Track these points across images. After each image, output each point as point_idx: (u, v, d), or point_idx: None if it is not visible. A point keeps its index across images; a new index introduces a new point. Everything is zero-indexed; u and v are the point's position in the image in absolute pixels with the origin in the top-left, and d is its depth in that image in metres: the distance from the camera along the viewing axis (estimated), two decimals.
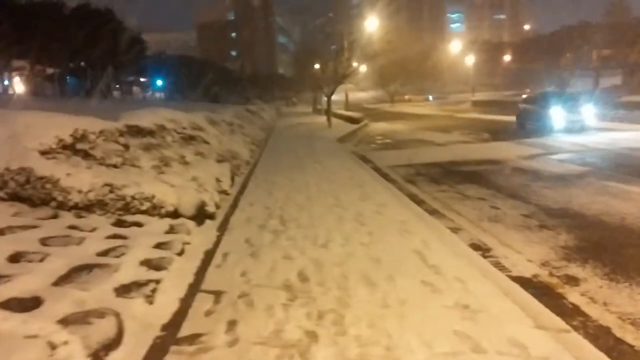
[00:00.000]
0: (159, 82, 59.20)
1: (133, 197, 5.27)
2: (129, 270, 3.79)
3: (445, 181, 9.55)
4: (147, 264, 4.02)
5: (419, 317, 3.37)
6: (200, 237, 5.19)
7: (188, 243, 4.81)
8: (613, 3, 70.41)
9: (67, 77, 39.60)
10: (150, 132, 7.41)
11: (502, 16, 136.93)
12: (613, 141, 13.84)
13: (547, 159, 11.45)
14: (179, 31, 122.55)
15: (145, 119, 7.85)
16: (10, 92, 32.19)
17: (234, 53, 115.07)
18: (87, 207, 5.09)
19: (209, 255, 4.68)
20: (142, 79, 57.55)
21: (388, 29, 45.00)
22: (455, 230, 5.95)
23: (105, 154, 5.84)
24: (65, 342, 2.41)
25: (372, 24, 36.91)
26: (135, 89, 59.29)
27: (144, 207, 5.30)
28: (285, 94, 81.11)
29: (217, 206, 6.55)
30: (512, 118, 26.72)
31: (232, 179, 8.75)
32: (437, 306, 3.55)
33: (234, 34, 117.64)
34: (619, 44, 41.99)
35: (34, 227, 4.41)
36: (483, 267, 4.44)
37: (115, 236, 4.58)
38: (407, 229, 5.61)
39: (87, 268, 3.68)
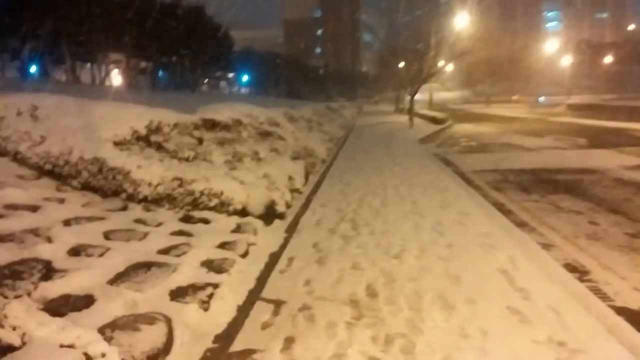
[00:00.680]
0: (245, 78, 60.98)
1: (202, 193, 5.15)
2: (188, 271, 3.60)
3: (536, 190, 8.70)
4: (208, 265, 3.83)
5: (504, 353, 2.87)
6: (267, 238, 4.95)
7: (254, 244, 4.58)
8: None
9: (159, 71, 41.77)
10: (225, 127, 7.33)
11: (604, 15, 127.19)
12: None
13: None
14: (266, 27, 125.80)
15: (222, 113, 7.80)
16: (107, 83, 34.41)
17: (319, 50, 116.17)
18: (156, 201, 5.03)
19: (273, 259, 4.42)
20: (229, 75, 59.49)
21: (478, 27, 42.95)
22: (547, 247, 5.29)
23: (178, 147, 5.78)
24: (103, 355, 2.21)
25: (461, 21, 35.41)
26: (222, 84, 61.49)
27: (212, 204, 5.16)
28: (368, 92, 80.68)
29: (288, 205, 6.31)
30: (613, 124, 24.61)
31: (306, 177, 8.51)
32: (526, 341, 3.02)
33: (319, 31, 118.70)
34: None
35: (101, 219, 4.38)
36: (581, 294, 3.82)
37: (180, 232, 4.45)
38: (491, 243, 5.03)
39: (146, 266, 3.54)
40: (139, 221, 4.56)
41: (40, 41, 15.78)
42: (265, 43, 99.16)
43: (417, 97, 26.77)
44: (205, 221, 4.89)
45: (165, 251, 3.93)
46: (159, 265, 3.59)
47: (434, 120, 27.12)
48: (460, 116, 36.45)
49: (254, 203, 5.36)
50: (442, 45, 30.05)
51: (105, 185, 5.04)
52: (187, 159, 5.69)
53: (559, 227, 6.13)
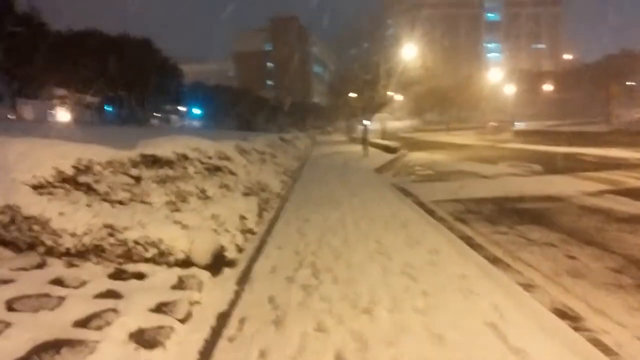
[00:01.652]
0: (197, 111, 60.15)
1: (137, 242, 4.37)
2: (110, 350, 2.83)
3: (501, 221, 8.34)
4: (138, 337, 3.07)
5: None
6: (215, 292, 4.21)
7: (198, 302, 3.84)
8: None
9: (107, 106, 40.30)
10: (168, 163, 6.58)
11: (541, 46, 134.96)
12: None
13: (615, 196, 10.07)
14: (217, 61, 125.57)
15: (165, 147, 7.05)
16: (52, 120, 32.74)
17: (270, 82, 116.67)
18: (82, 254, 4.21)
19: (221, 322, 3.69)
20: (180, 108, 58.50)
21: (424, 58, 44.14)
22: (528, 287, 4.81)
23: (112, 188, 5.00)
24: None
25: (408, 53, 36.22)
26: (173, 117, 60.24)
27: (149, 254, 4.38)
28: (320, 122, 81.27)
29: (240, 249, 5.60)
30: (561, 149, 25.27)
31: (260, 215, 7.83)
32: None
33: (270, 64, 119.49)
34: None
35: (7, 281, 3.54)
36: (582, 350, 3.30)
37: (107, 294, 3.66)
38: (470, 287, 4.50)
39: (55, 347, 2.75)
40: (56, 282, 3.74)
41: None
42: (216, 76, 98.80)
43: (369, 126, 26.73)
44: (140, 276, 4.11)
45: (83, 322, 3.14)
46: (72, 344, 2.81)
47: (387, 149, 27.08)
48: (412, 144, 36.78)
49: (199, 251, 4.63)
50: (391, 75, 30.46)
51: (19, 237, 4.20)
52: (120, 202, 4.92)
53: (536, 263, 5.70)
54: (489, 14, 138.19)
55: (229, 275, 4.76)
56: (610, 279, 4.99)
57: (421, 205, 10.05)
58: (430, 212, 9.10)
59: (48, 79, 26.32)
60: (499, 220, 8.37)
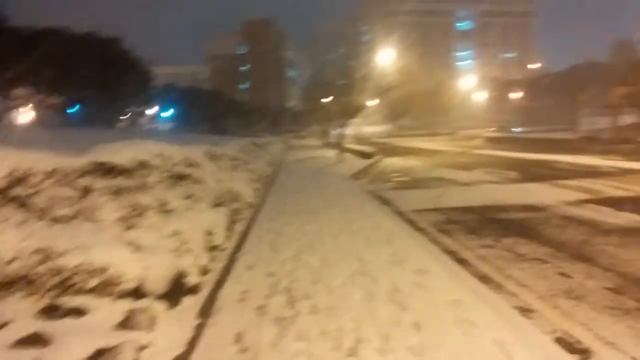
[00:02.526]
0: (168, 113, 58.88)
1: (76, 270, 3.67)
2: None
3: (486, 232, 7.88)
4: None
5: None
6: (170, 330, 3.55)
7: (145, 347, 3.17)
8: (620, 42, 69.53)
9: (74, 107, 38.76)
10: (125, 171, 5.86)
11: (511, 54, 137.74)
12: None
13: (596, 205, 9.74)
14: (190, 63, 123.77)
15: (124, 153, 6.32)
16: (12, 122, 31.19)
17: (244, 86, 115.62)
18: (7, 285, 3.48)
19: None
20: (150, 110, 57.12)
21: (399, 64, 44.14)
22: (525, 312, 4.32)
23: (52, 203, 4.28)
24: None
25: (383, 59, 36.13)
26: (143, 119, 58.76)
27: (91, 284, 3.67)
28: (295, 126, 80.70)
29: (205, 271, 4.94)
30: (533, 155, 25.32)
31: (230, 229, 7.17)
32: None
33: (244, 67, 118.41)
34: (631, 82, 40.53)
35: None
36: None
37: (31, 339, 2.95)
38: (466, 316, 3.94)
39: None
40: None
41: None
42: (189, 79, 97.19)
43: (345, 131, 26.28)
44: (79, 312, 3.40)
45: None
46: None
47: (362, 155, 26.63)
48: (387, 150, 36.49)
49: (154, 277, 3.95)
50: (366, 80, 30.16)
51: None
52: (61, 220, 4.20)
53: (529, 282, 5.21)
54: (461, 23, 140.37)
55: (190, 305, 4.09)
56: (612, 302, 4.51)
57: (401, 215, 9.54)
58: (412, 223, 8.59)
59: (6, 77, 24.96)
60: (483, 232, 7.90)
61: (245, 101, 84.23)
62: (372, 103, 36.75)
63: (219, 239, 6.14)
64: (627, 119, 44.72)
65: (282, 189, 13.34)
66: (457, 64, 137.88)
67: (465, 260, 6.11)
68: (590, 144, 31.79)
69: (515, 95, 66.49)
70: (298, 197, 11.59)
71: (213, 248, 5.81)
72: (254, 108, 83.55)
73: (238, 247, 6.40)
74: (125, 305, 3.63)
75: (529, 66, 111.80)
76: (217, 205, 7.62)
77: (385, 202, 11.40)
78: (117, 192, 5.30)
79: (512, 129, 57.08)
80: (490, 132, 53.55)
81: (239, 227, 7.71)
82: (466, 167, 20.35)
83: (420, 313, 4.00)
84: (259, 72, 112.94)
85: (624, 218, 8.35)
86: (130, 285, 3.81)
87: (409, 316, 3.93)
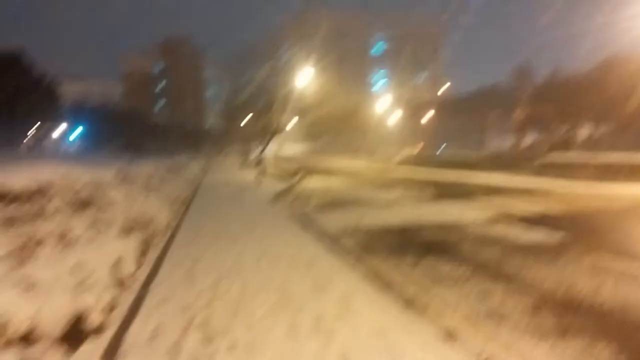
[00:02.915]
0: (78, 132, 55.60)
1: None
2: None
3: (408, 252, 7.95)
4: None
5: None
6: None
7: None
8: (520, 68, 75.48)
9: None
10: (19, 198, 5.24)
11: (423, 77, 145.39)
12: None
13: (509, 222, 10.24)
14: (105, 80, 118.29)
15: (18, 177, 5.67)
16: None
17: (161, 103, 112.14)
18: None
19: None
20: (58, 129, 53.69)
21: (319, 85, 44.93)
22: (451, 336, 4.29)
23: None
24: None
25: (302, 80, 36.56)
26: (50, 139, 55.02)
27: None
28: (215, 146, 79.26)
29: (111, 307, 4.46)
30: (447, 174, 26.54)
31: (142, 258, 6.66)
32: None
33: (162, 85, 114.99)
34: (531, 106, 44.12)
35: None
36: None
37: None
38: (394, 347, 3.83)
39: None
40: None
41: None
42: (103, 96, 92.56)
43: (265, 150, 26.07)
44: None
45: None
46: None
47: (283, 175, 26.53)
48: (308, 169, 36.64)
49: (49, 319, 3.47)
50: (287, 100, 30.28)
51: None
52: None
53: (453, 302, 5.23)
54: (377, 46, 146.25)
55: (91, 349, 3.63)
56: (533, 322, 4.61)
57: (324, 236, 9.43)
58: (335, 245, 8.48)
59: None
60: (405, 252, 7.97)
61: (162, 120, 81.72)
62: (292, 123, 36.93)
63: (128, 269, 5.65)
64: (529, 138, 48.42)
65: (200, 212, 12.80)
66: (374, 85, 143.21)
67: (389, 282, 6.05)
68: (497, 162, 33.93)
69: (428, 116, 69.83)
70: (217, 220, 11.15)
71: (121, 280, 5.32)
72: (172, 127, 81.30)
73: (150, 278, 5.92)
74: (13, 355, 3.13)
75: (440, 89, 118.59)
76: (127, 231, 7.07)
77: (308, 223, 11.26)
78: (9, 222, 4.70)
79: (436, 149, 59.69)
80: (407, 151, 55.66)
81: (152, 255, 7.19)
82: (385, 186, 20.83)
83: (347, 344, 3.83)
84: (176, 90, 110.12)
85: (535, 235, 8.80)
86: (20, 330, 3.31)
87: (335, 348, 3.75)
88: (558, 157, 27.78)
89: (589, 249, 7.43)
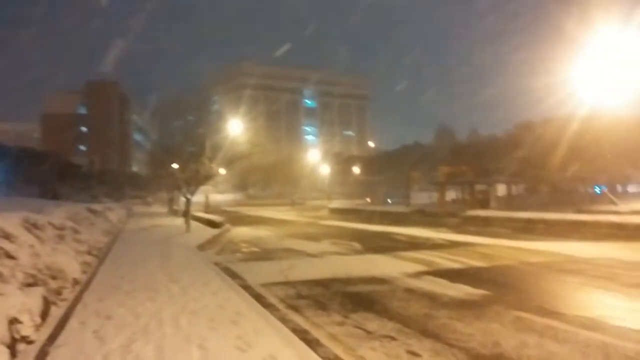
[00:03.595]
0: None
1: None
2: None
3: (335, 307, 7.78)
4: None
5: None
6: None
7: None
8: (442, 128, 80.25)
9: None
10: None
11: (351, 133, 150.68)
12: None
13: (434, 278, 10.36)
14: (21, 121, 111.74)
15: None
16: None
17: (83, 148, 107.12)
18: None
19: None
20: None
21: (249, 135, 45.04)
22: None
23: None
24: None
25: (232, 129, 36.54)
26: None
27: None
28: (140, 193, 76.27)
29: None
30: (374, 227, 26.98)
31: (45, 314, 5.99)
32: None
33: (84, 128, 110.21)
34: (452, 163, 46.56)
35: None
36: None
37: None
38: None
39: None
40: None
41: None
42: (18, 138, 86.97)
43: (193, 199, 25.32)
44: None
45: None
46: None
47: (211, 224, 25.79)
48: (236, 219, 36.01)
49: None
50: (216, 149, 29.93)
51: None
52: None
53: None
54: (307, 100, 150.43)
55: None
56: None
57: (249, 290, 9.07)
58: (260, 299, 8.15)
59: None
60: (332, 307, 7.79)
61: (84, 164, 77.83)
62: (221, 171, 36.40)
63: (27, 329, 5.03)
64: (451, 194, 50.65)
65: (118, 262, 11.98)
66: (304, 138, 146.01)
67: (316, 341, 5.81)
68: (422, 217, 34.98)
69: (355, 170, 71.68)
70: (136, 272, 10.44)
71: (17, 341, 4.70)
72: (93, 171, 77.65)
73: (52, 338, 5.30)
74: None
75: (367, 144, 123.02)
76: (30, 285, 6.39)
77: (233, 275, 10.84)
78: None
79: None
80: (336, 203, 56.30)
81: (58, 312, 6.51)
82: (313, 237, 20.75)
83: None
84: (99, 133, 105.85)
85: (459, 290, 8.92)
86: None
87: None
88: (478, 213, 29.11)
89: (509, 305, 7.60)
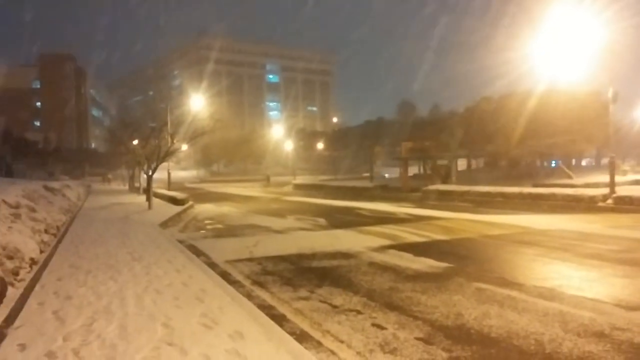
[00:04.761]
0: None
1: None
2: None
3: (301, 283, 7.82)
4: None
5: None
6: None
7: None
8: (404, 103, 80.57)
9: None
10: None
11: (314, 108, 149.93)
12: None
13: (397, 251, 10.54)
14: None
15: None
16: None
17: (38, 123, 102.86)
18: None
19: None
20: None
21: (211, 110, 44.24)
22: None
23: None
24: None
25: (195, 104, 35.85)
26: None
27: None
28: (99, 169, 74.28)
29: None
30: (338, 202, 27.19)
31: (2, 294, 5.80)
32: None
33: (38, 103, 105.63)
34: (415, 138, 47.05)
35: None
36: None
37: None
38: None
39: None
40: None
41: None
42: None
43: (154, 176, 24.79)
44: None
45: None
46: None
47: (174, 201, 25.39)
48: (199, 195, 35.61)
49: None
50: (178, 124, 29.34)
51: None
52: None
53: (346, 337, 5.13)
54: (270, 76, 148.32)
55: None
56: (425, 354, 4.64)
57: (214, 267, 9.03)
58: (226, 276, 8.13)
59: None
60: (298, 282, 7.83)
61: (39, 140, 74.89)
62: (183, 147, 35.73)
63: None
64: (414, 169, 51.38)
65: (78, 241, 11.67)
66: (268, 113, 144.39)
67: (282, 316, 5.85)
68: (385, 192, 35.43)
69: (319, 145, 71.57)
70: (97, 250, 10.20)
71: None
72: (50, 148, 74.95)
73: (10, 319, 5.14)
74: None
75: (331, 120, 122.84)
76: None
77: (197, 252, 10.75)
78: None
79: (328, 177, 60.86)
80: (300, 179, 56.28)
81: (14, 293, 6.30)
82: (278, 213, 20.75)
83: None
84: (56, 109, 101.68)
85: (423, 263, 9.11)
86: None
87: None
88: (439, 187, 29.69)
89: (471, 277, 7.82)
